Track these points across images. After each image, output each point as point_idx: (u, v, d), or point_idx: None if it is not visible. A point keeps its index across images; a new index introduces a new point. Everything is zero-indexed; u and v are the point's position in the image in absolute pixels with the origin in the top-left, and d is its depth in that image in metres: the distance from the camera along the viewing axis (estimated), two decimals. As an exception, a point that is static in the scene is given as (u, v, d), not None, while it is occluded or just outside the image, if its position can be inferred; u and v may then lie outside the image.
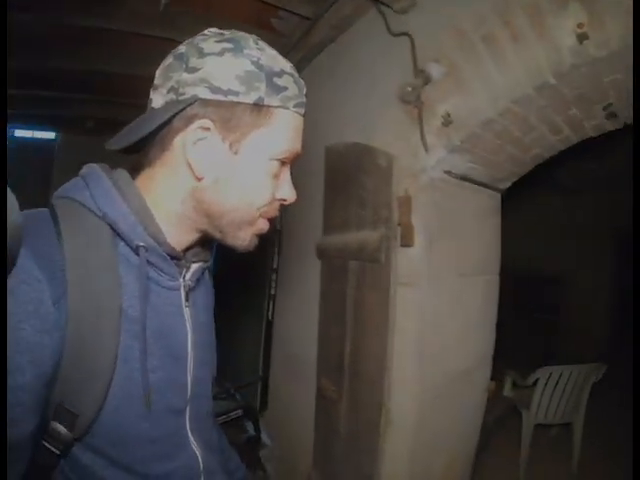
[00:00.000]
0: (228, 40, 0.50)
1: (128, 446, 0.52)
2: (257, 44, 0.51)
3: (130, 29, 1.70)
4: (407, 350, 1.41)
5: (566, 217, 5.12)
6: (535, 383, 2.55)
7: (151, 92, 0.53)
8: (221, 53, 0.49)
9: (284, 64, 0.53)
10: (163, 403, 0.55)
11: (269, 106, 0.51)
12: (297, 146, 0.56)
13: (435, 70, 1.34)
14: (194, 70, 0.48)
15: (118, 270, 0.49)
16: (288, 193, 0.58)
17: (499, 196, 1.75)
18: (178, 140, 0.51)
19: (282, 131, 0.53)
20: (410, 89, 1.35)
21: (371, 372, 1.48)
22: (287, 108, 0.52)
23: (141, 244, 0.50)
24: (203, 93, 0.48)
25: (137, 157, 0.56)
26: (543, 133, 1.39)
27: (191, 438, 0.61)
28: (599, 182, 4.43)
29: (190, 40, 0.52)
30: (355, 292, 1.54)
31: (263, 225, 0.58)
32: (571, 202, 5.12)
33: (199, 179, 0.52)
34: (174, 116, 0.49)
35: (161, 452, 0.56)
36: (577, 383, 2.55)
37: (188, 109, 0.49)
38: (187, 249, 0.59)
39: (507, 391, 2.84)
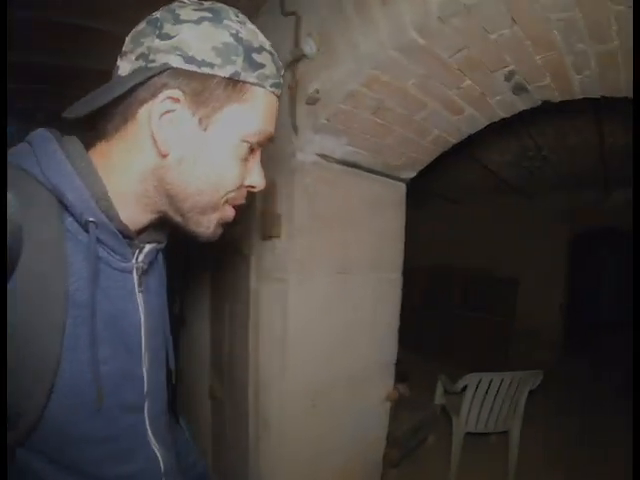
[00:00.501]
0: (207, 9, 0.47)
1: (79, 447, 0.47)
2: (238, 17, 0.48)
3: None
4: (274, 351, 1.26)
5: (521, 218, 5.10)
6: (465, 389, 2.41)
7: (118, 59, 0.49)
8: (199, 21, 0.45)
9: (263, 40, 0.50)
10: (116, 399, 0.50)
11: (244, 82, 0.48)
12: (270, 128, 0.53)
13: (308, 45, 1.19)
14: (168, 37, 0.45)
15: (65, 248, 0.44)
16: (257, 179, 0.54)
17: (403, 186, 1.59)
18: (143, 111, 0.47)
19: (256, 110, 0.50)
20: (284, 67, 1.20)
21: (240, 373, 1.37)
22: (263, 87, 0.49)
23: (91, 219, 0.45)
24: (175, 62, 0.45)
25: (92, 129, 0.50)
26: (437, 111, 1.24)
27: (151, 437, 0.56)
28: (553, 183, 4.38)
29: (166, 6, 0.48)
30: (228, 288, 1.38)
31: (229, 212, 0.54)
32: (526, 203, 5.11)
33: (163, 156, 0.48)
34: (141, 84, 0.45)
35: (116, 453, 0.51)
36: (510, 391, 2.42)
37: (157, 78, 0.45)
38: (142, 230, 0.54)
39: (438, 398, 2.70)
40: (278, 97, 0.53)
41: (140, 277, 0.54)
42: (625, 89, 1.07)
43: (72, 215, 0.45)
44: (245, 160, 0.52)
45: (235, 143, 0.49)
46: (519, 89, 1.14)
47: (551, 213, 4.90)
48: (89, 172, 0.46)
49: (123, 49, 0.48)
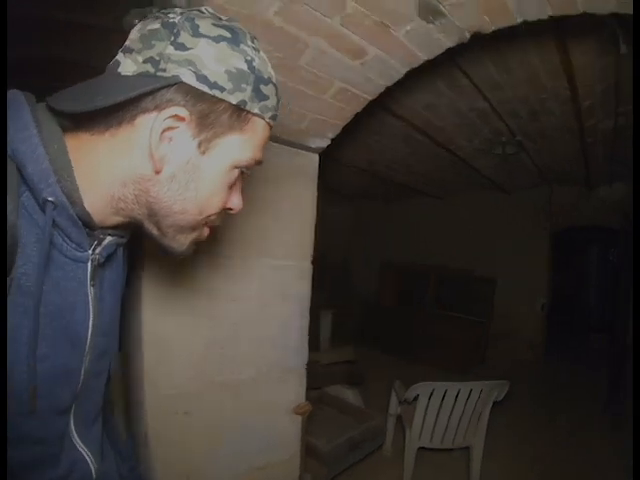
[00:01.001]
0: (226, 28, 0.46)
1: (16, 448, 0.44)
2: (253, 42, 0.48)
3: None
4: (135, 353, 1.00)
5: (502, 216, 4.86)
6: (416, 400, 2.13)
7: (120, 54, 0.46)
8: (217, 39, 0.45)
9: (272, 72, 0.50)
10: (51, 400, 0.47)
11: (248, 112, 0.48)
12: (261, 155, 0.52)
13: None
14: (183, 47, 0.43)
15: (16, 226, 0.40)
16: (237, 202, 0.54)
17: (313, 157, 1.28)
18: (144, 120, 0.45)
19: (254, 140, 0.50)
20: None
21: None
22: (263, 118, 0.50)
23: (50, 199, 0.41)
24: (187, 77, 0.44)
25: (73, 117, 0.46)
26: (325, 51, 0.93)
27: (77, 440, 0.53)
28: (531, 175, 4.12)
29: (185, 11, 0.45)
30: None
31: (205, 232, 0.54)
32: (504, 198, 4.87)
33: (157, 172, 0.46)
34: (149, 93, 0.44)
35: (46, 457, 0.49)
36: (471, 403, 2.13)
37: (165, 90, 0.44)
38: (106, 227, 0.50)
39: (393, 407, 2.41)
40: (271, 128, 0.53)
41: (94, 270, 0.50)
42: (582, 3, 0.77)
43: (30, 189, 0.41)
44: (231, 185, 0.51)
45: (227, 169, 0.49)
46: (431, 12, 0.84)
47: (532, 209, 4.64)
48: (58, 147, 0.43)
49: (128, 44, 0.45)
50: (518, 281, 4.68)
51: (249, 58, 0.46)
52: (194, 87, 0.43)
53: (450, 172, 4.19)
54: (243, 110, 0.47)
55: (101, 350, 0.54)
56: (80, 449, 0.53)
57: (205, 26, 0.44)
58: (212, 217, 0.51)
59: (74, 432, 0.52)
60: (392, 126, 2.96)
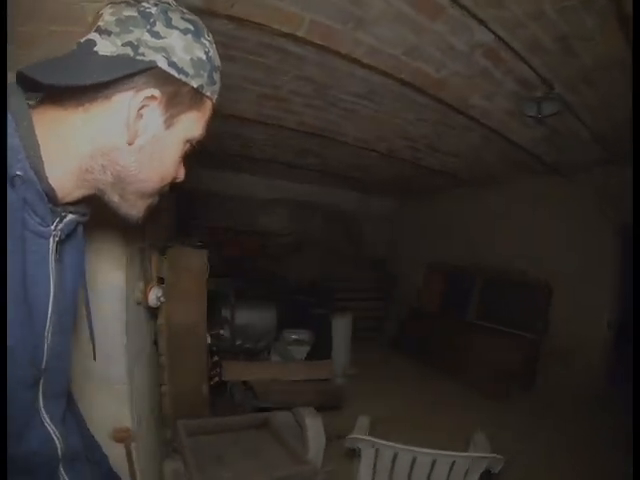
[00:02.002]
0: (190, 21, 0.53)
1: None
2: (209, 36, 0.55)
3: None
4: None
5: (559, 206, 3.82)
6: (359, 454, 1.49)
7: (95, 34, 0.50)
8: (185, 32, 0.51)
9: (219, 61, 0.57)
10: (15, 369, 0.46)
11: (204, 94, 0.55)
12: (201, 135, 0.59)
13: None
14: (158, 36, 0.50)
15: None
16: (182, 173, 0.61)
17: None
18: (122, 98, 0.50)
19: (203, 118, 0.58)
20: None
21: None
22: (212, 100, 0.58)
23: (19, 173, 0.44)
24: (161, 62, 0.50)
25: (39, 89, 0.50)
26: None
27: (45, 416, 0.54)
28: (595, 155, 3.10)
29: (158, 3, 0.52)
30: None
31: (156, 200, 0.60)
32: (563, 186, 3.81)
33: (129, 143, 0.52)
34: (130, 74, 0.49)
35: (11, 432, 0.47)
36: (438, 477, 1.42)
37: (143, 73, 0.50)
38: (68, 202, 0.53)
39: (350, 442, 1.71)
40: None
41: (56, 245, 0.52)
42: None
43: None
44: (181, 157, 0.58)
45: (183, 143, 0.57)
46: None
47: (593, 195, 3.54)
48: (27, 125, 0.46)
49: (104, 26, 0.49)
50: (580, 290, 3.64)
51: (207, 50, 0.54)
52: (166, 71, 0.50)
53: (486, 151, 3.33)
54: (201, 93, 0.54)
55: (62, 327, 0.55)
56: (48, 427, 0.54)
57: (176, 19, 0.51)
58: (166, 186, 0.58)
59: (43, 410, 0.53)
60: (382, 86, 2.29)
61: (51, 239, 0.51)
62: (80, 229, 0.60)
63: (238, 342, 3.92)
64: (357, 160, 3.94)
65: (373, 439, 1.41)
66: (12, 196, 0.43)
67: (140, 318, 1.41)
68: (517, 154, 3.26)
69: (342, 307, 4.94)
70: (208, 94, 0.56)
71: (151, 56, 0.49)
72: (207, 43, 0.54)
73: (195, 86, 0.53)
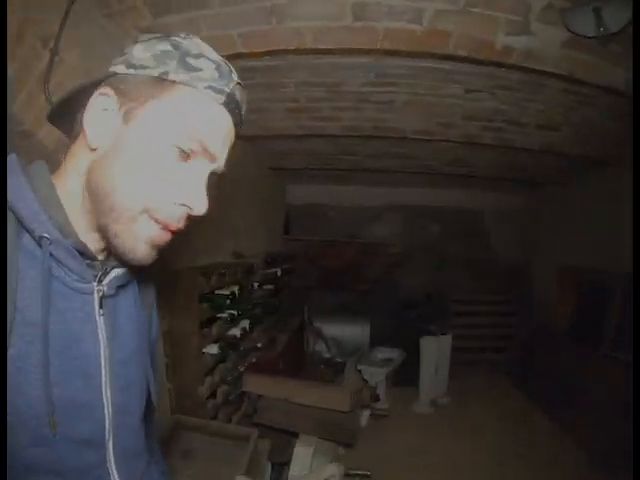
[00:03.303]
0: (166, 35, 0.50)
1: (23, 477, 0.45)
2: (190, 37, 0.50)
3: None
4: None
5: None
6: None
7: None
8: (148, 40, 0.49)
9: (208, 50, 0.50)
10: (68, 428, 0.47)
11: (173, 81, 0.47)
12: (207, 139, 0.48)
13: None
14: (122, 54, 0.49)
15: (18, 263, 0.44)
16: (193, 200, 0.49)
17: None
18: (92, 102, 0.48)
19: (186, 112, 0.47)
20: None
21: None
22: (195, 87, 0.47)
23: (44, 235, 0.44)
24: (120, 69, 0.48)
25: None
26: None
27: (115, 476, 0.53)
28: None
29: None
30: None
31: (159, 232, 0.49)
32: None
33: (92, 149, 0.48)
34: (89, 88, 0.48)
35: None
36: None
37: (102, 83, 0.49)
38: (109, 253, 0.52)
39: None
40: (227, 109, 0.49)
41: (102, 299, 0.51)
42: None
43: (27, 231, 0.44)
44: (175, 170, 0.48)
45: (161, 145, 0.47)
46: None
47: None
48: (46, 189, 0.46)
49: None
50: None
51: (175, 42, 0.48)
52: (123, 73, 0.48)
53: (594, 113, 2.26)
54: (165, 80, 0.47)
55: (124, 383, 0.54)
56: None
57: (142, 38, 0.49)
58: (152, 205, 0.47)
59: (114, 469, 0.53)
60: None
61: (95, 294, 0.50)
62: (134, 282, 0.59)
63: (327, 355, 3.96)
64: (444, 155, 3.37)
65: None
66: (39, 254, 0.45)
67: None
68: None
69: (460, 324, 4.26)
70: (181, 79, 0.47)
71: (112, 69, 0.49)
72: (179, 39, 0.48)
73: (156, 75, 0.47)
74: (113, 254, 0.51)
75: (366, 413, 2.89)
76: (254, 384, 2.35)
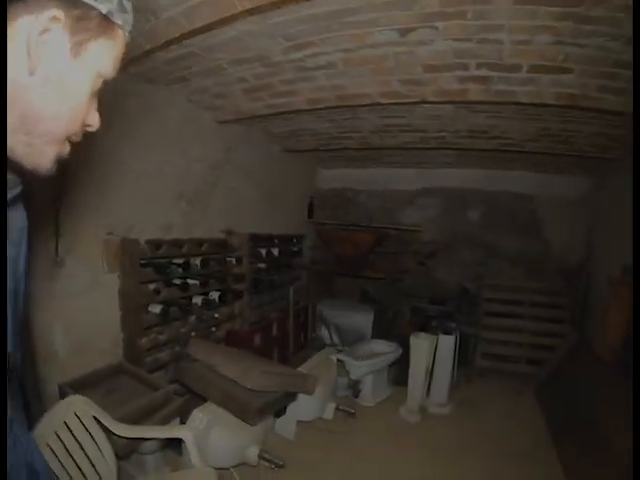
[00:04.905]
0: None
1: None
2: None
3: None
4: None
5: None
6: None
7: None
8: None
9: None
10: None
11: (114, 22, 0.52)
12: (114, 72, 0.55)
13: None
14: None
15: None
16: (96, 119, 0.56)
17: None
18: (22, 23, 0.45)
19: (115, 50, 0.53)
20: None
21: None
22: (125, 31, 0.54)
23: None
24: None
25: None
26: None
27: None
28: None
29: None
30: None
31: (67, 148, 0.54)
32: None
33: (31, 73, 0.46)
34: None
35: None
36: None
37: None
38: None
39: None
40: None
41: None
42: None
43: None
44: (92, 97, 0.54)
45: (93, 77, 0.52)
46: None
47: None
48: None
49: None
50: None
51: None
52: None
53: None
54: (110, 20, 0.50)
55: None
56: None
57: None
58: (76, 130, 0.53)
59: None
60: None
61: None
62: (20, 205, 0.56)
63: (331, 342, 3.91)
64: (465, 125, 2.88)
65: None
66: None
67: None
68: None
69: (494, 326, 3.69)
70: (119, 22, 0.52)
71: None
72: None
73: (104, 12, 0.49)
74: (21, 166, 0.50)
75: (331, 405, 2.76)
76: (196, 347, 2.54)
